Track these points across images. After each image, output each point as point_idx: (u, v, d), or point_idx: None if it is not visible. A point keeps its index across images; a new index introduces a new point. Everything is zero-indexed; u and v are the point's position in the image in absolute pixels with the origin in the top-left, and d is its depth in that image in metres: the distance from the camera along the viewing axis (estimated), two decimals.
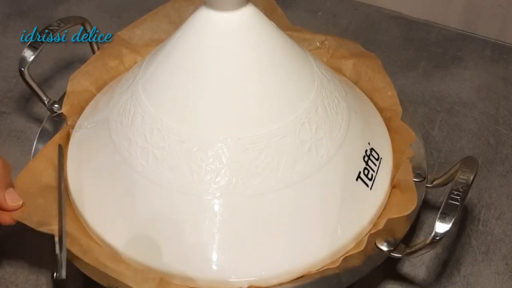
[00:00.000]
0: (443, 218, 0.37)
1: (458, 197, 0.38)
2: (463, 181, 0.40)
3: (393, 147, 0.47)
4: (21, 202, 0.39)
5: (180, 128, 0.39)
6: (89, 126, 0.47)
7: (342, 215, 0.41)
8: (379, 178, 0.44)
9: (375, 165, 0.44)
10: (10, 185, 0.40)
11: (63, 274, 0.36)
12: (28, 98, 0.58)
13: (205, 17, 0.40)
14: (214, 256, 0.38)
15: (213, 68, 0.40)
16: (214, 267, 0.38)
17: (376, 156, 0.45)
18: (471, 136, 0.55)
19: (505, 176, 0.52)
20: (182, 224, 0.39)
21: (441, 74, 0.63)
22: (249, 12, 0.40)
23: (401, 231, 0.41)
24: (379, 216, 0.43)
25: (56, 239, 0.37)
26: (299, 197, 0.40)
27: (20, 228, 0.47)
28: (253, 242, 0.39)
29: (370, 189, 0.43)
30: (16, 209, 0.39)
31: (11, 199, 0.39)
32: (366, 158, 0.44)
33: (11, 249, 0.45)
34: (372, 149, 0.45)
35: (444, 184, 0.44)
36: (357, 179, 0.42)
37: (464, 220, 0.48)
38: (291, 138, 0.40)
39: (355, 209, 0.42)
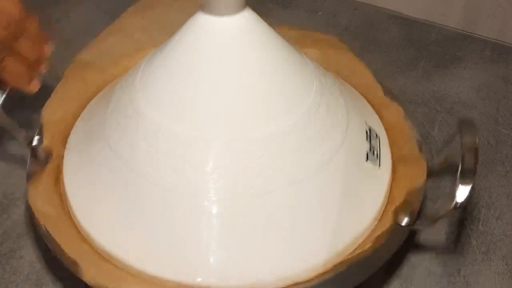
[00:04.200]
0: (463, 183, 0.37)
1: (471, 160, 0.37)
2: (470, 144, 0.38)
3: (382, 123, 0.48)
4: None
5: (184, 131, 0.39)
6: (83, 151, 0.45)
7: (359, 199, 0.41)
8: (382, 155, 0.45)
9: (376, 142, 0.45)
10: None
11: None
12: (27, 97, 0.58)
13: (203, 22, 0.40)
14: (227, 260, 0.38)
15: (215, 70, 0.40)
16: (229, 271, 0.38)
17: (375, 134, 0.46)
18: None
19: (505, 176, 0.52)
20: (190, 228, 0.38)
21: (441, 74, 0.63)
22: (247, 16, 0.40)
23: (417, 203, 0.42)
24: (391, 192, 0.43)
25: None
26: (316, 189, 0.40)
27: (20, 228, 0.47)
28: (270, 241, 0.39)
29: (379, 167, 0.44)
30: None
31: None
32: (368, 138, 0.44)
33: (11, 249, 0.45)
34: (370, 128, 0.45)
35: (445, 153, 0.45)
36: (366, 160, 0.43)
37: (464, 220, 0.48)
38: (297, 134, 0.40)
39: (371, 189, 0.42)
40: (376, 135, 0.46)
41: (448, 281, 0.44)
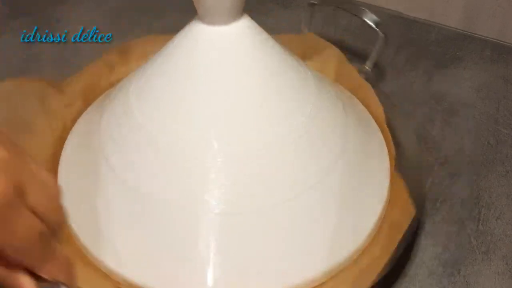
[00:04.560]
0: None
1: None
2: None
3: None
4: None
5: (184, 131, 0.39)
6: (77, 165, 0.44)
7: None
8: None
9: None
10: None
11: None
12: None
13: (200, 31, 0.40)
14: (227, 264, 0.38)
15: (214, 73, 0.40)
16: (230, 276, 0.38)
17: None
18: (471, 136, 0.55)
19: (505, 176, 0.52)
20: (191, 240, 0.38)
21: (441, 74, 0.63)
22: (246, 24, 0.41)
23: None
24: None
25: None
26: (317, 194, 0.40)
27: None
28: (271, 245, 0.38)
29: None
30: None
31: None
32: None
33: None
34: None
35: None
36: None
37: (464, 220, 0.48)
38: (298, 136, 0.40)
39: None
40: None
41: (448, 281, 0.44)
